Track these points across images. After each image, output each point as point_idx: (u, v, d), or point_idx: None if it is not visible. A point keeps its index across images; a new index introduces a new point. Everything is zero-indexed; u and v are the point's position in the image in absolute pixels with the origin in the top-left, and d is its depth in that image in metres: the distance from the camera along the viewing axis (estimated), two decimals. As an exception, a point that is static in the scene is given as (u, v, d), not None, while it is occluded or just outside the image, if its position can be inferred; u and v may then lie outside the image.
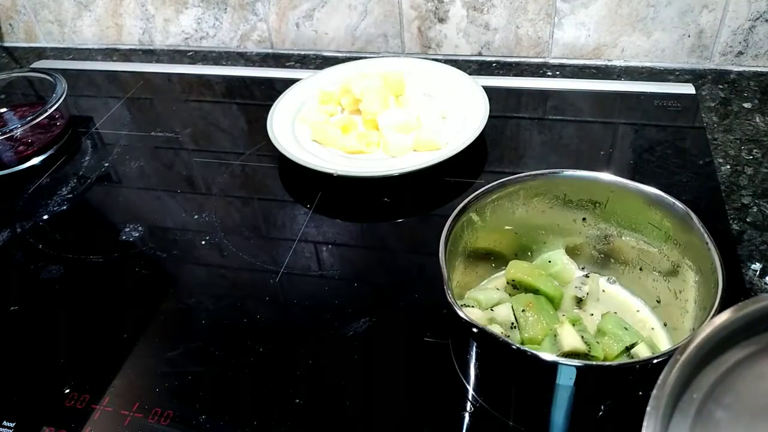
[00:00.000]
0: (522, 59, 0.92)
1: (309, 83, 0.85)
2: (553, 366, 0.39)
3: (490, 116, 0.73)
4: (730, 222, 0.62)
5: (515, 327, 0.47)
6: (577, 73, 0.89)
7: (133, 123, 0.89)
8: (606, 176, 0.51)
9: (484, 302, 0.49)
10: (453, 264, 0.49)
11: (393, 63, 0.87)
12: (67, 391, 0.52)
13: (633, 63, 0.88)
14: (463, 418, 0.47)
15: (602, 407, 0.42)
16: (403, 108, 0.80)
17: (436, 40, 0.94)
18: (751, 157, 0.70)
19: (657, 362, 0.38)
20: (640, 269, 0.52)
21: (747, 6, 0.80)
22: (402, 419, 0.48)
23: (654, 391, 0.29)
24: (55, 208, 0.74)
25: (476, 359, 0.46)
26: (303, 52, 1.01)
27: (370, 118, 0.77)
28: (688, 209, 0.47)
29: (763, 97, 0.80)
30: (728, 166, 0.69)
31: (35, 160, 0.81)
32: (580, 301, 0.51)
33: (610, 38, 0.87)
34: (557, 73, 0.89)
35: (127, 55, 1.07)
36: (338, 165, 0.71)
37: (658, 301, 0.51)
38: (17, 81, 0.93)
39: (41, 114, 0.81)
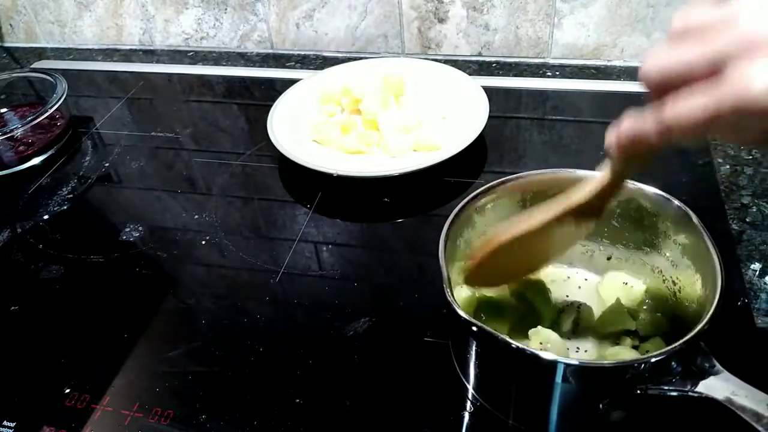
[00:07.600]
0: (522, 59, 0.92)
1: (309, 83, 0.85)
2: (553, 364, 0.39)
3: (490, 116, 0.73)
4: (730, 222, 0.62)
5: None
6: (576, 74, 0.89)
7: (133, 123, 0.89)
8: None
9: None
10: (453, 264, 0.49)
11: (393, 63, 0.87)
12: (68, 390, 0.52)
13: (633, 63, 0.88)
14: (463, 417, 0.47)
15: (601, 405, 0.42)
16: (403, 108, 0.80)
17: (436, 41, 0.94)
18: (751, 157, 0.70)
19: (655, 360, 0.38)
20: (639, 269, 0.52)
21: (747, 6, 0.80)
22: (402, 419, 0.48)
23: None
24: (55, 208, 0.74)
25: (476, 358, 0.47)
26: (303, 53, 1.01)
27: (370, 118, 0.77)
28: (687, 209, 0.47)
29: (763, 97, 0.80)
30: (728, 166, 0.69)
31: (35, 160, 0.81)
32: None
33: (610, 38, 0.87)
34: (557, 73, 0.89)
35: (128, 55, 1.07)
36: (338, 165, 0.71)
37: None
38: (17, 81, 0.93)
39: (42, 114, 0.81)
